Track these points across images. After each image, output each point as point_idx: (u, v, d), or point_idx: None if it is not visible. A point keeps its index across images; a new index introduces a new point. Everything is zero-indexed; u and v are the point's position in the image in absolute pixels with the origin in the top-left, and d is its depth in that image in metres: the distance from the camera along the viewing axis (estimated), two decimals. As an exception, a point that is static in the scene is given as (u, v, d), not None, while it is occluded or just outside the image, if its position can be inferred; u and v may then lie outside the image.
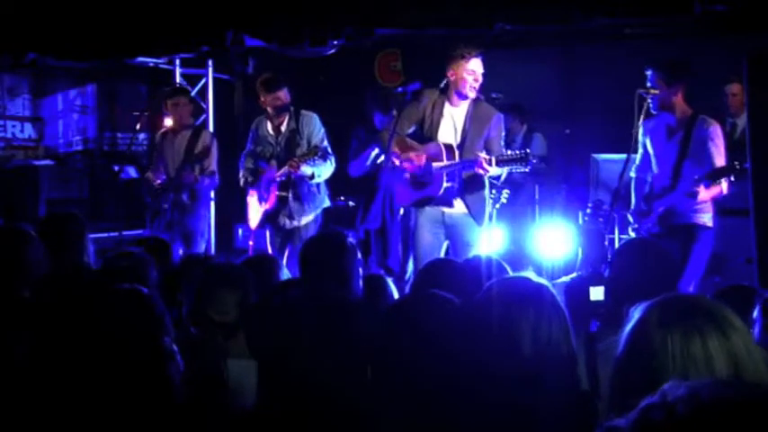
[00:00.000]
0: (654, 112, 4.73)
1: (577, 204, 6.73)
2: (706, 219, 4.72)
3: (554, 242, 6.52)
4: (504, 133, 5.11)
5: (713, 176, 4.47)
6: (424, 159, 5.02)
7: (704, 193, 4.52)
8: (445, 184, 4.98)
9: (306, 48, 6.33)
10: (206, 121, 7.86)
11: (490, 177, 5.02)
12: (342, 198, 6.88)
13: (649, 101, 4.65)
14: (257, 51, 7.09)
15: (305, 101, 6.15)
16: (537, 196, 6.89)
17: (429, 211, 5.07)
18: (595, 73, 7.70)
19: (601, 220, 6.07)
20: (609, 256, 4.68)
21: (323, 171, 5.74)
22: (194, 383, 2.34)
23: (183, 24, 6.45)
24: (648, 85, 4.69)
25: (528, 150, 4.81)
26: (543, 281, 2.09)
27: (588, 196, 6.65)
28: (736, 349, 1.53)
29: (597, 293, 2.92)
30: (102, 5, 6.49)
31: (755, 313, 2.58)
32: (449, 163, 4.97)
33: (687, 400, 1.06)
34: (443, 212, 5.08)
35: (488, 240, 5.95)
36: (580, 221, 6.43)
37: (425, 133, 5.09)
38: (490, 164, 4.74)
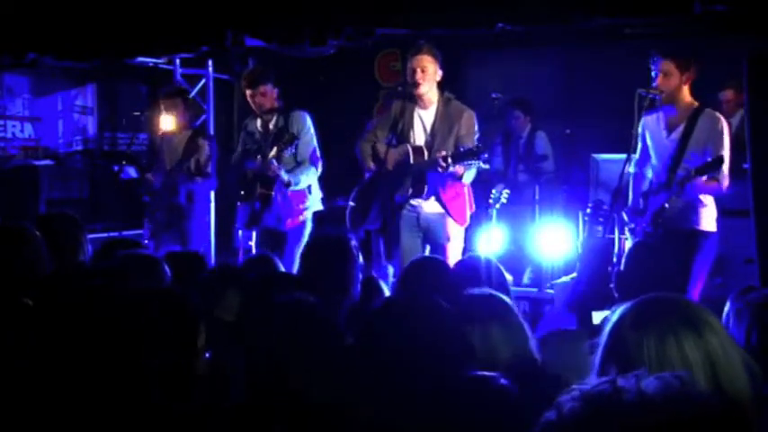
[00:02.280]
0: (659, 104, 4.68)
1: (577, 204, 6.72)
2: (708, 224, 4.63)
3: (554, 242, 6.52)
4: (477, 130, 5.04)
5: (701, 170, 4.42)
6: (390, 167, 5.02)
7: (698, 187, 4.46)
8: (413, 187, 4.98)
9: (306, 48, 6.32)
10: (206, 121, 7.86)
11: (455, 177, 4.95)
12: (341, 198, 6.87)
13: (652, 97, 4.61)
14: (257, 51, 7.08)
15: (305, 101, 6.13)
16: (537, 196, 6.88)
17: (405, 215, 5.07)
18: (595, 73, 7.70)
19: (601, 219, 6.06)
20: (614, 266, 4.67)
21: (302, 179, 5.59)
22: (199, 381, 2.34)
23: (183, 24, 6.45)
24: (654, 74, 4.63)
25: (480, 145, 4.75)
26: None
27: (588, 196, 6.65)
28: (711, 350, 1.52)
29: (600, 318, 2.92)
30: (102, 5, 6.49)
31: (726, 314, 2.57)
32: (414, 164, 4.97)
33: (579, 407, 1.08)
34: (418, 215, 5.07)
35: (488, 240, 5.95)
36: (580, 222, 6.42)
37: (399, 139, 5.09)
38: (446, 161, 4.73)
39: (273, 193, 5.63)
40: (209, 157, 6.22)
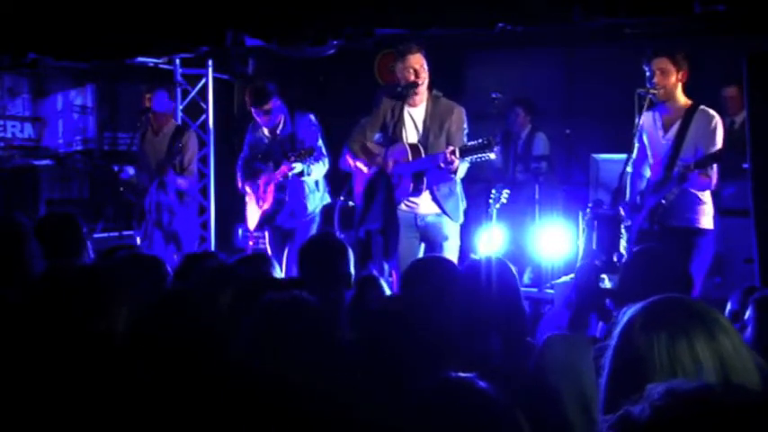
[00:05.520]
0: (655, 102, 4.69)
1: (577, 204, 6.73)
2: (706, 221, 4.64)
3: (554, 242, 6.52)
4: (465, 126, 5.06)
5: (701, 163, 4.43)
6: (390, 164, 5.03)
7: (693, 181, 4.47)
8: (412, 186, 4.98)
9: (306, 48, 6.33)
10: (206, 121, 7.86)
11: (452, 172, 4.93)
12: (342, 198, 6.87)
13: (651, 97, 4.62)
14: (257, 51, 7.08)
15: (305, 101, 6.14)
16: (537, 196, 6.89)
17: (402, 216, 5.05)
18: (595, 73, 7.70)
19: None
20: (623, 246, 4.69)
21: (313, 170, 5.69)
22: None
23: (183, 24, 6.45)
24: (648, 74, 4.65)
25: (491, 138, 4.74)
26: None
27: (588, 196, 6.65)
28: (723, 350, 1.51)
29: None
30: (102, 5, 6.49)
31: (748, 313, 2.56)
32: (414, 161, 4.97)
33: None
34: (416, 215, 5.07)
35: (488, 240, 5.95)
36: (580, 222, 6.42)
37: (390, 138, 5.09)
38: (454, 154, 4.73)
39: (287, 196, 5.75)
40: (192, 154, 6.26)
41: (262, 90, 5.73)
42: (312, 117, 5.82)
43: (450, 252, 5.02)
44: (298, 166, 5.59)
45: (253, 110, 5.77)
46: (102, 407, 1.99)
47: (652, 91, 4.61)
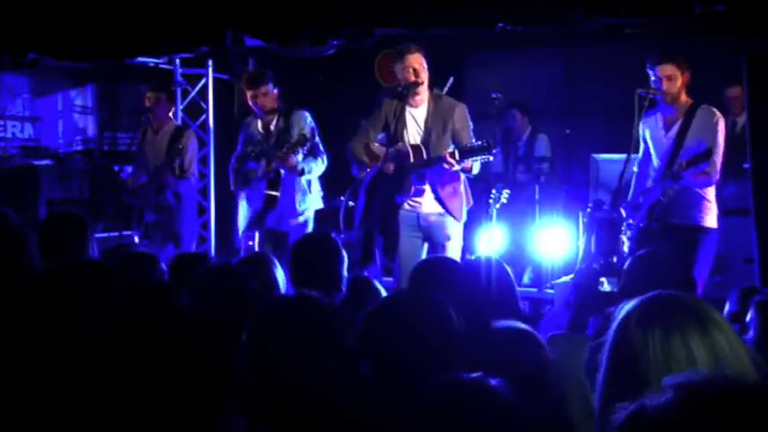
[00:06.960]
0: (658, 103, 4.71)
1: (577, 204, 6.73)
2: (710, 220, 4.64)
3: (554, 242, 6.52)
4: (470, 123, 5.06)
5: (691, 162, 4.43)
6: (392, 167, 5.02)
7: (688, 179, 4.48)
8: (414, 186, 4.98)
9: (306, 48, 6.33)
10: (206, 121, 7.86)
11: (465, 171, 4.93)
12: (342, 198, 6.87)
13: (651, 97, 4.63)
14: (257, 51, 7.09)
15: (305, 101, 6.13)
16: (537, 196, 6.89)
17: (405, 215, 5.05)
18: (595, 73, 7.71)
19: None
20: (622, 248, 4.70)
21: (313, 167, 5.64)
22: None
23: (183, 24, 6.45)
24: (654, 79, 4.65)
25: (490, 140, 4.75)
26: None
27: (588, 196, 6.65)
28: (717, 345, 1.52)
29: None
30: (102, 5, 6.49)
31: (749, 315, 2.56)
32: (415, 163, 4.97)
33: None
34: (419, 215, 5.07)
35: (488, 240, 5.96)
36: (580, 222, 6.42)
37: (392, 139, 5.10)
38: (454, 157, 4.73)
39: (278, 194, 5.67)
40: (191, 156, 6.25)
41: (257, 72, 5.77)
42: (308, 114, 5.76)
43: (453, 252, 5.02)
44: (300, 163, 5.54)
45: (249, 96, 5.74)
46: (99, 406, 1.99)
47: (652, 91, 4.62)
